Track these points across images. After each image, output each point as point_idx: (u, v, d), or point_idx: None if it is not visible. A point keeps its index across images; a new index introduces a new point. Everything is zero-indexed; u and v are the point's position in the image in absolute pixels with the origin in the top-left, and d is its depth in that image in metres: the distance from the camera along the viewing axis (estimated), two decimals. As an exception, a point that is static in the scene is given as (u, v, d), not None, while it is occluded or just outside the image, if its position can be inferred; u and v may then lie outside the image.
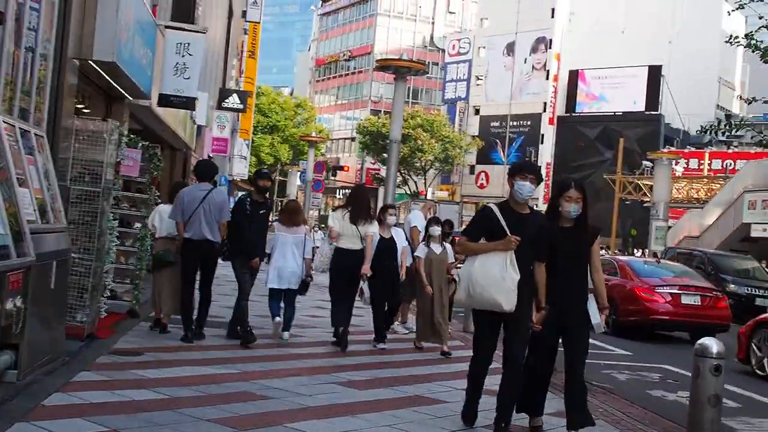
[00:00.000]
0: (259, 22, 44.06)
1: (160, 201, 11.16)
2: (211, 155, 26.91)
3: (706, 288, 15.91)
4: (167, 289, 9.97)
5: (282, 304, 10.37)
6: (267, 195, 10.34)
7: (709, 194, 45.84)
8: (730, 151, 59.88)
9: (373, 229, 10.24)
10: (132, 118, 13.79)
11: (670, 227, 39.44)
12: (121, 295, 11.12)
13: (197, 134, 21.84)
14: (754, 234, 32.27)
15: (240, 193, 26.29)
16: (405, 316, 12.75)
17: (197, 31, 12.15)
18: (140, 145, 10.65)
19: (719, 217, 35.55)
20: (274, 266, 10.26)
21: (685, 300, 15.25)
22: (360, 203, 10.41)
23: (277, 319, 10.30)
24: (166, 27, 12.00)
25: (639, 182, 50.14)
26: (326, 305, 12.03)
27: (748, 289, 21.60)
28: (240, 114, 39.32)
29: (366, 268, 10.23)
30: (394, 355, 10.14)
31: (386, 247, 10.79)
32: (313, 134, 61.22)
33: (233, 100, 28.93)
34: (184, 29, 11.99)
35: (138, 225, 11.10)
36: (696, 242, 35.10)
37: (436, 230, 10.99)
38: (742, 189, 34.15)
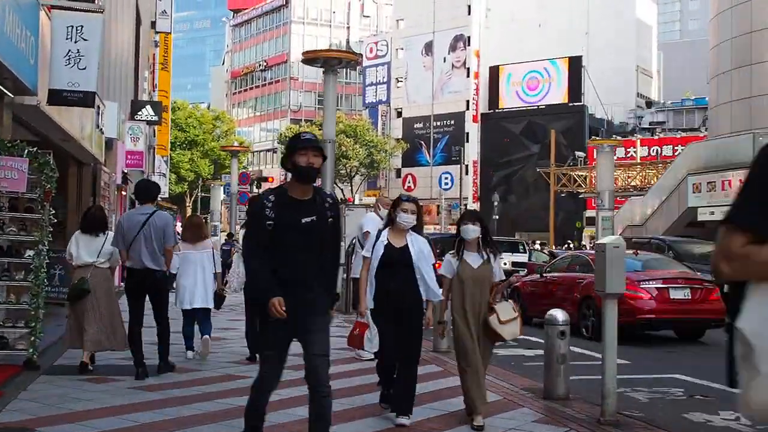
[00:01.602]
0: (170, 33, 42.48)
1: (55, 221, 8.94)
2: (125, 170, 24.51)
3: (696, 279, 14.00)
4: (85, 322, 8.50)
5: (196, 326, 10.01)
6: (316, 184, 5.29)
7: (644, 181, 45.13)
8: (656, 137, 60.10)
9: None
10: (21, 125, 11.49)
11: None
12: (14, 342, 8.82)
13: (107, 147, 19.42)
14: (701, 218, 31.06)
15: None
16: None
17: (92, 11, 9.92)
18: (26, 152, 8.43)
19: (663, 203, 34.51)
20: (183, 286, 9.97)
21: (674, 294, 13.41)
22: None
23: (206, 337, 9.91)
24: (53, 7, 9.74)
25: (572, 173, 49.32)
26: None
27: (716, 276, 20.03)
28: (156, 130, 37.20)
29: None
30: (375, 393, 7.78)
31: (395, 260, 6.64)
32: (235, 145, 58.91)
33: (147, 112, 26.97)
34: (74, 9, 9.76)
35: (30, 253, 8.80)
36: (640, 230, 33.97)
37: (472, 230, 6.76)
38: (685, 173, 33.11)
